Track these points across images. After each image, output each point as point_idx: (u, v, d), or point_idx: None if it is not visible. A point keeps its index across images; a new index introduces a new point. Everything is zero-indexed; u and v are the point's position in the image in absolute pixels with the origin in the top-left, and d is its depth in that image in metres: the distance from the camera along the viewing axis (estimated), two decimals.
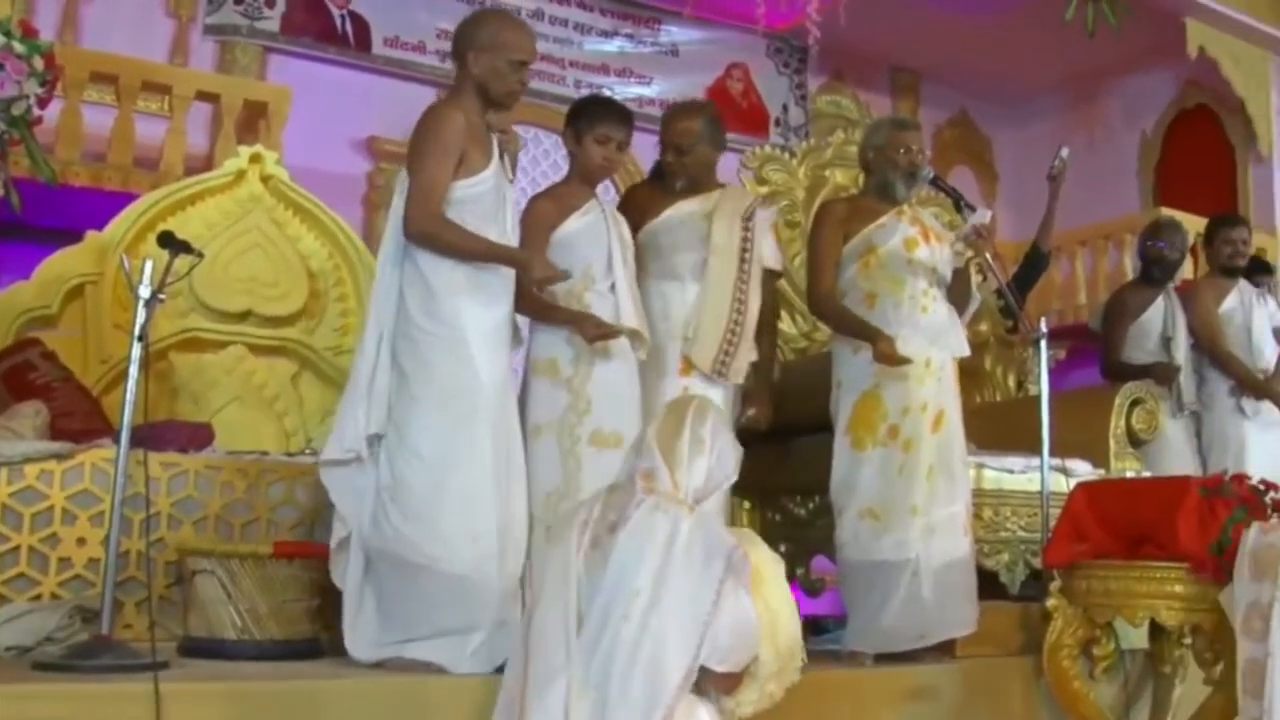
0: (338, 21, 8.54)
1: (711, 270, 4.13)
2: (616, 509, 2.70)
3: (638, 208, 4.20)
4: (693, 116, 4.25)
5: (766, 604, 2.69)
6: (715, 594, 2.57)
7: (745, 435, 4.23)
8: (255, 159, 5.22)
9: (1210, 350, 5.63)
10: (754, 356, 4.17)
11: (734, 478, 2.90)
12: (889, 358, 4.01)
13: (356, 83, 8.52)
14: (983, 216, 4.18)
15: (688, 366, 4.08)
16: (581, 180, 4.02)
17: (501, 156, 3.71)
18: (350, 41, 8.56)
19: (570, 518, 2.80)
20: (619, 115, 4.05)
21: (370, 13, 8.64)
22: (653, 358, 4.02)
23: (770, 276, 4.30)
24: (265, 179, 5.22)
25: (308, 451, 4.58)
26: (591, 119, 3.99)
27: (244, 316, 5.03)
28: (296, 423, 5.03)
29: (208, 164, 6.79)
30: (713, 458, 2.80)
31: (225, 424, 4.77)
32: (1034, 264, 6.08)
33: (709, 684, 2.64)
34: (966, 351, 4.32)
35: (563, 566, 2.67)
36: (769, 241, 4.28)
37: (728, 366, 4.09)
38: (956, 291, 4.33)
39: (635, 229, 4.12)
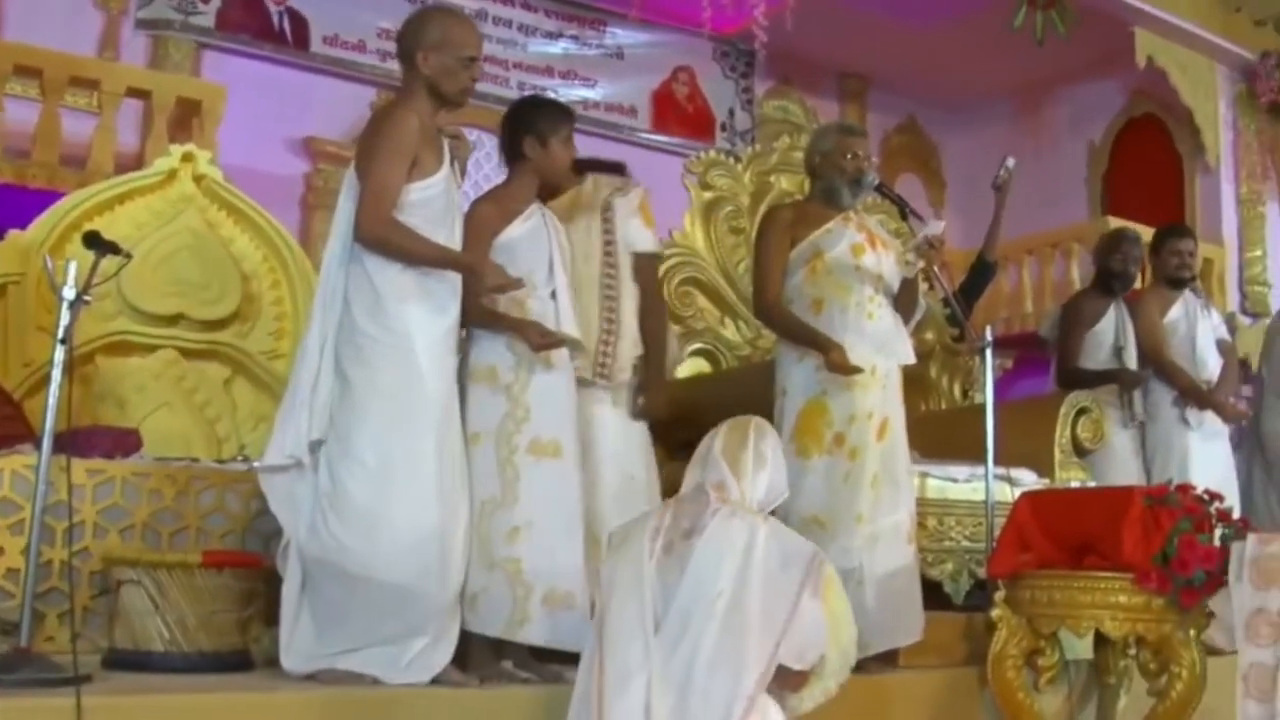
0: (275, 18, 8.49)
1: (574, 276, 4.06)
2: (690, 517, 2.95)
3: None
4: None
5: (830, 607, 2.91)
6: (795, 597, 2.81)
7: (658, 427, 4.22)
8: (188, 158, 5.16)
9: (1155, 360, 5.72)
10: (639, 350, 4.13)
11: (787, 493, 3.17)
12: (841, 367, 4.04)
13: (294, 81, 8.47)
14: (935, 227, 4.22)
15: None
16: (526, 183, 4.00)
17: (452, 161, 3.70)
18: (288, 39, 8.52)
19: (639, 525, 3.02)
20: (571, 114, 4.07)
21: (309, 10, 8.60)
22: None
23: (646, 259, 4.22)
24: (198, 179, 5.16)
25: (240, 458, 4.54)
26: (555, 121, 3.97)
27: (174, 320, 4.98)
28: (229, 429, 4.98)
29: (138, 163, 6.72)
30: (772, 473, 3.08)
31: (154, 430, 4.72)
32: (980, 274, 6.15)
33: (779, 682, 2.83)
34: (912, 359, 4.36)
35: (635, 570, 2.89)
36: (635, 224, 4.20)
37: (609, 368, 4.08)
38: (904, 299, 4.37)
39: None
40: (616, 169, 4.39)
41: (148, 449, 4.38)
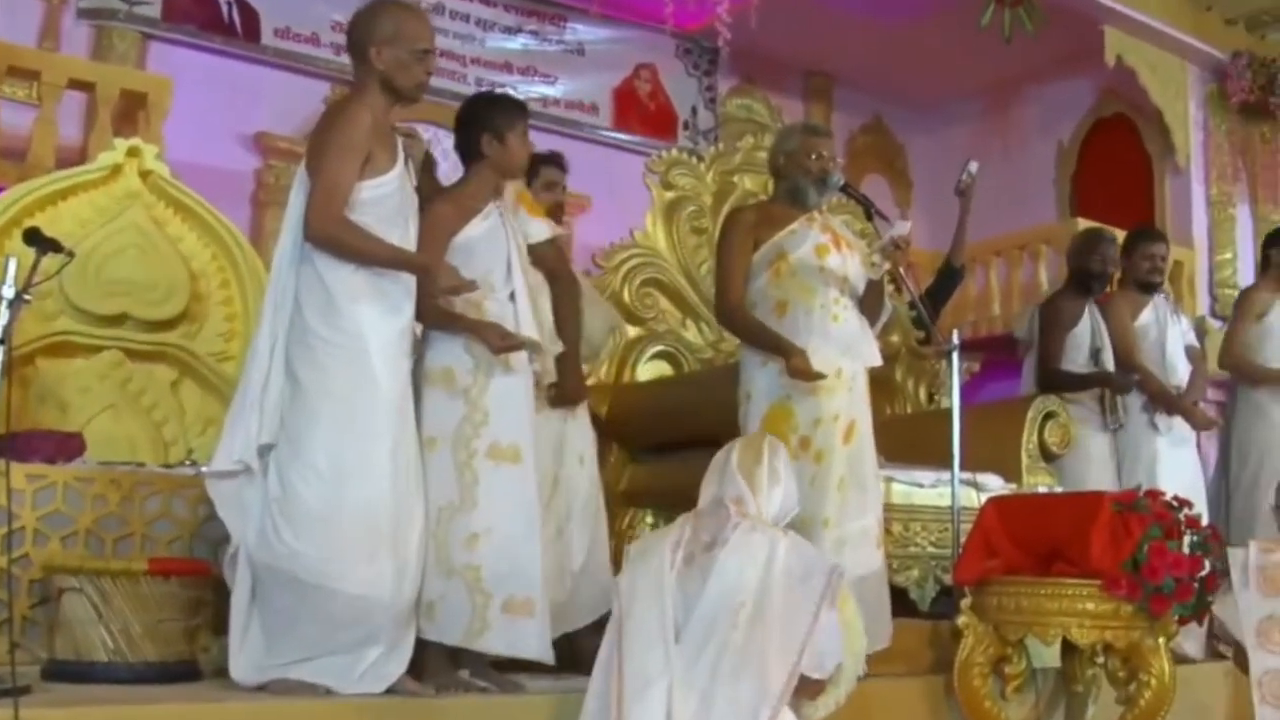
0: (224, 9, 8.43)
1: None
2: (710, 530, 3.11)
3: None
4: None
5: (844, 616, 3.10)
6: (816, 608, 2.99)
7: (635, 439, 4.21)
8: (133, 153, 5.13)
9: (1126, 364, 5.76)
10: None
11: (798, 509, 3.35)
12: (802, 373, 4.06)
13: (244, 75, 8.41)
14: (901, 228, 4.24)
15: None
16: (483, 181, 4.00)
17: (406, 160, 3.70)
18: (238, 31, 8.46)
19: (658, 538, 3.21)
20: (525, 108, 4.08)
21: (260, 1, 8.53)
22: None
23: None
24: (144, 174, 5.13)
25: (188, 463, 4.52)
26: (512, 117, 3.98)
27: (120, 320, 4.94)
28: (176, 432, 4.95)
29: (81, 157, 6.67)
30: (785, 488, 3.25)
31: (98, 433, 4.69)
32: (948, 279, 6.19)
33: (797, 691, 2.98)
34: (879, 361, 4.39)
35: (656, 580, 3.05)
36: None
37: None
38: (870, 302, 4.39)
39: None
40: (556, 160, 4.50)
41: (91, 453, 4.35)
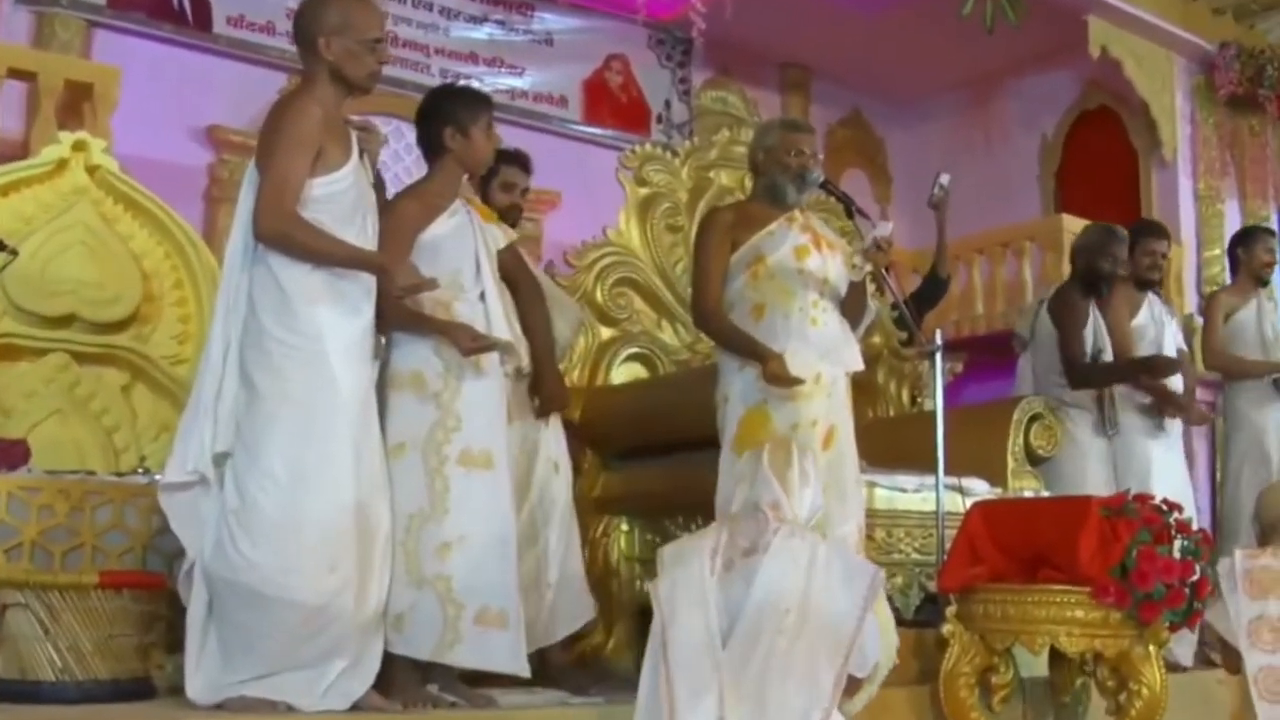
0: None
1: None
2: (749, 535, 3.24)
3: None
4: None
5: (878, 616, 3.26)
6: (861, 610, 3.14)
7: (609, 444, 4.24)
8: (79, 146, 5.10)
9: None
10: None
11: (822, 509, 3.47)
12: (779, 379, 4.07)
13: (196, 65, 8.35)
14: (884, 229, 4.26)
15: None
16: (448, 177, 4.00)
17: (361, 154, 3.69)
18: (188, 19, 8.39)
19: (693, 544, 3.32)
20: (490, 102, 4.10)
21: None
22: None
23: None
24: (91, 169, 5.11)
25: (140, 471, 4.50)
26: (475, 110, 4.00)
27: (67, 321, 4.91)
28: (128, 439, 4.93)
29: (22, 151, 6.59)
30: (814, 490, 3.39)
31: (44, 440, 4.67)
32: (933, 288, 6.22)
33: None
34: (860, 366, 4.41)
35: (698, 588, 3.17)
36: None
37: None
38: (851, 304, 4.41)
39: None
40: (518, 160, 4.58)
41: (37, 461, 4.33)
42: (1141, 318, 5.90)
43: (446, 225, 3.92)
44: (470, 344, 3.73)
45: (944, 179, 5.65)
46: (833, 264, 4.37)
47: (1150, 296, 5.98)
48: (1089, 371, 5.69)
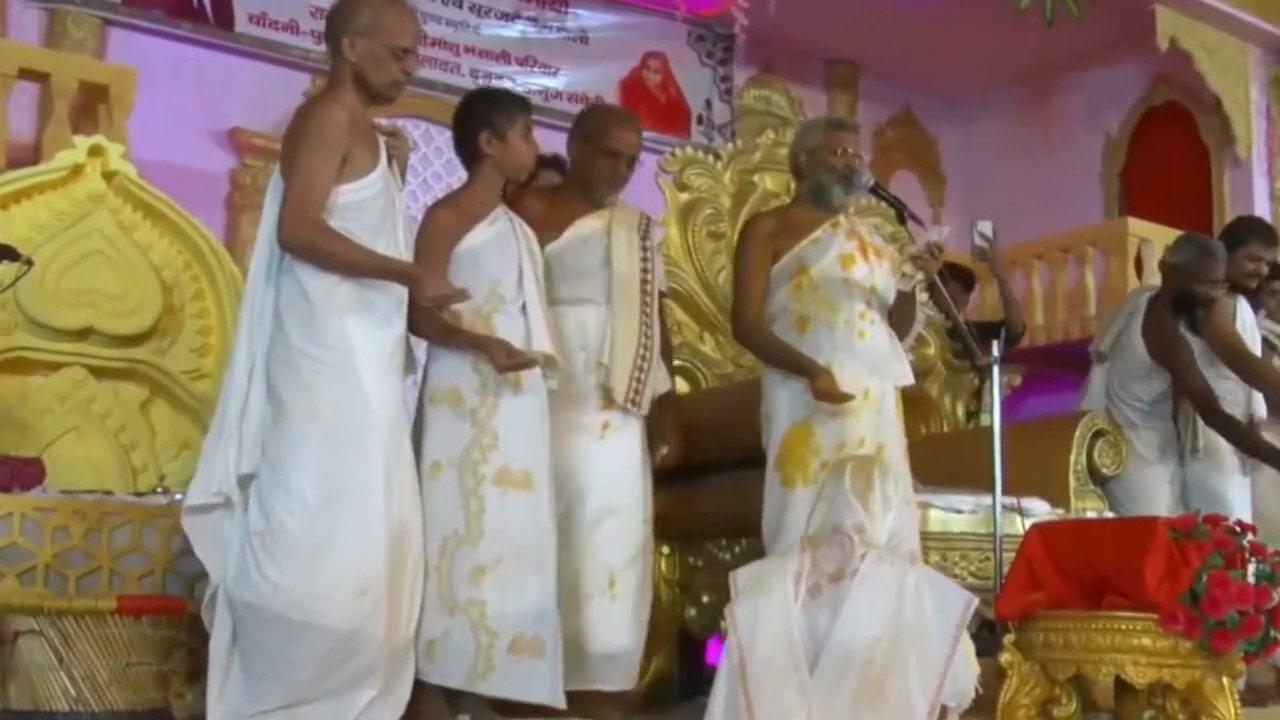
0: None
1: (617, 293, 4.21)
2: (834, 561, 3.29)
3: (533, 221, 4.20)
4: (639, 129, 4.40)
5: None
6: (954, 638, 3.22)
7: (658, 472, 4.32)
8: (96, 151, 5.16)
9: (1247, 373, 5.56)
10: (668, 385, 4.28)
11: (902, 533, 3.53)
12: (828, 395, 4.08)
13: (216, 65, 8.41)
14: (936, 233, 4.23)
15: (609, 400, 4.15)
16: (487, 184, 4.03)
17: (390, 161, 3.71)
18: (209, 17, 8.45)
19: (773, 568, 3.37)
20: (528, 104, 4.14)
21: None
22: (567, 390, 4.06)
23: (663, 299, 4.44)
24: (109, 175, 5.16)
25: (159, 490, 4.54)
26: (511, 113, 4.03)
27: (83, 334, 4.97)
28: (146, 457, 4.97)
29: (35, 155, 6.66)
30: (896, 515, 3.45)
31: (59, 459, 4.71)
32: (1008, 344, 6.20)
33: None
34: (910, 380, 4.40)
35: (781, 614, 3.22)
36: (659, 260, 4.41)
37: (640, 395, 4.19)
38: (900, 314, 4.40)
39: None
40: (555, 164, 4.68)
41: (52, 481, 4.37)
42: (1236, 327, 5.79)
43: (485, 234, 3.94)
44: (506, 361, 3.74)
45: (983, 227, 5.44)
46: (880, 272, 4.37)
47: (1241, 302, 5.83)
48: (1227, 422, 5.50)
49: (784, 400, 4.25)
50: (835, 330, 4.25)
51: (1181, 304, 5.71)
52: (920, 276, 4.29)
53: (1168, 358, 5.64)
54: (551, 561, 3.81)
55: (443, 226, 3.90)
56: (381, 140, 3.73)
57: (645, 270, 4.33)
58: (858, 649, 3.16)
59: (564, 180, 4.34)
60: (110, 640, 3.62)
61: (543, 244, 4.14)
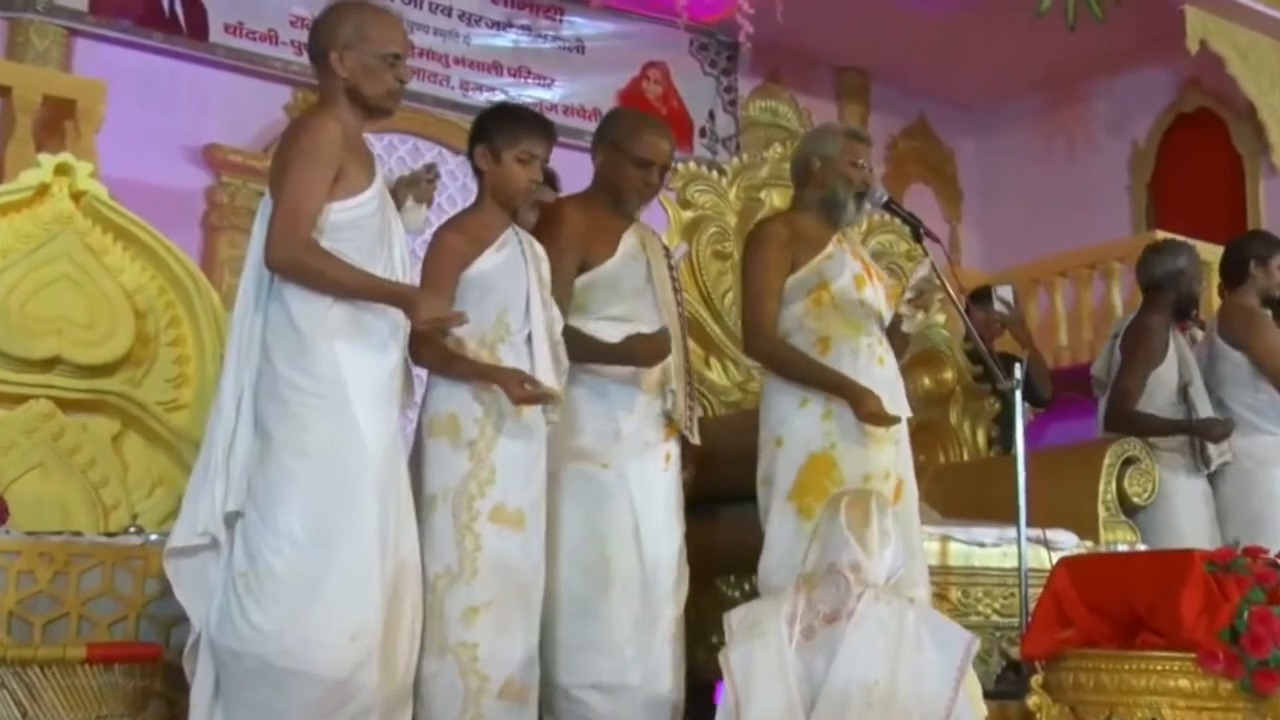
0: (165, 1, 8.44)
1: (664, 314, 4.27)
2: (829, 601, 3.32)
3: (579, 236, 4.20)
4: (671, 135, 4.42)
5: (968, 687, 3.33)
6: (956, 682, 3.24)
7: None
8: (63, 170, 5.14)
9: None
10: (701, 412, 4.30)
11: (903, 569, 3.52)
12: (880, 418, 4.10)
13: (190, 78, 8.44)
14: (924, 269, 4.29)
15: (671, 429, 4.20)
16: (496, 206, 4.03)
17: (418, 204, 3.79)
18: (181, 26, 8.47)
19: (768, 610, 3.39)
20: (544, 128, 4.11)
21: None
22: (640, 413, 4.11)
23: None
24: (76, 195, 5.15)
25: (132, 529, 4.51)
26: (512, 133, 4.02)
27: (50, 365, 4.95)
28: (118, 495, 4.95)
29: None
30: (894, 550, 3.45)
31: (23, 497, 4.69)
32: (1034, 405, 6.23)
33: None
34: (909, 413, 4.42)
35: (776, 658, 3.26)
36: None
37: (694, 422, 4.28)
38: (896, 345, 4.43)
39: (582, 261, 4.17)
40: (546, 179, 4.53)
41: (16, 521, 4.35)
42: None
43: (495, 259, 3.94)
44: (521, 392, 3.74)
45: (1003, 292, 5.37)
46: (881, 296, 4.40)
47: (1268, 315, 5.86)
48: (1131, 419, 5.60)
49: (801, 425, 4.23)
50: (858, 354, 4.25)
51: (1183, 311, 5.85)
52: (920, 316, 4.33)
53: (1127, 352, 5.77)
54: (538, 604, 3.84)
55: (450, 250, 3.90)
56: (377, 161, 3.74)
57: (676, 290, 4.40)
58: (855, 693, 3.17)
59: (590, 191, 4.31)
60: (79, 691, 3.60)
61: (591, 261, 4.15)
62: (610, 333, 4.12)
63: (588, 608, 4.01)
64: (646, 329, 4.12)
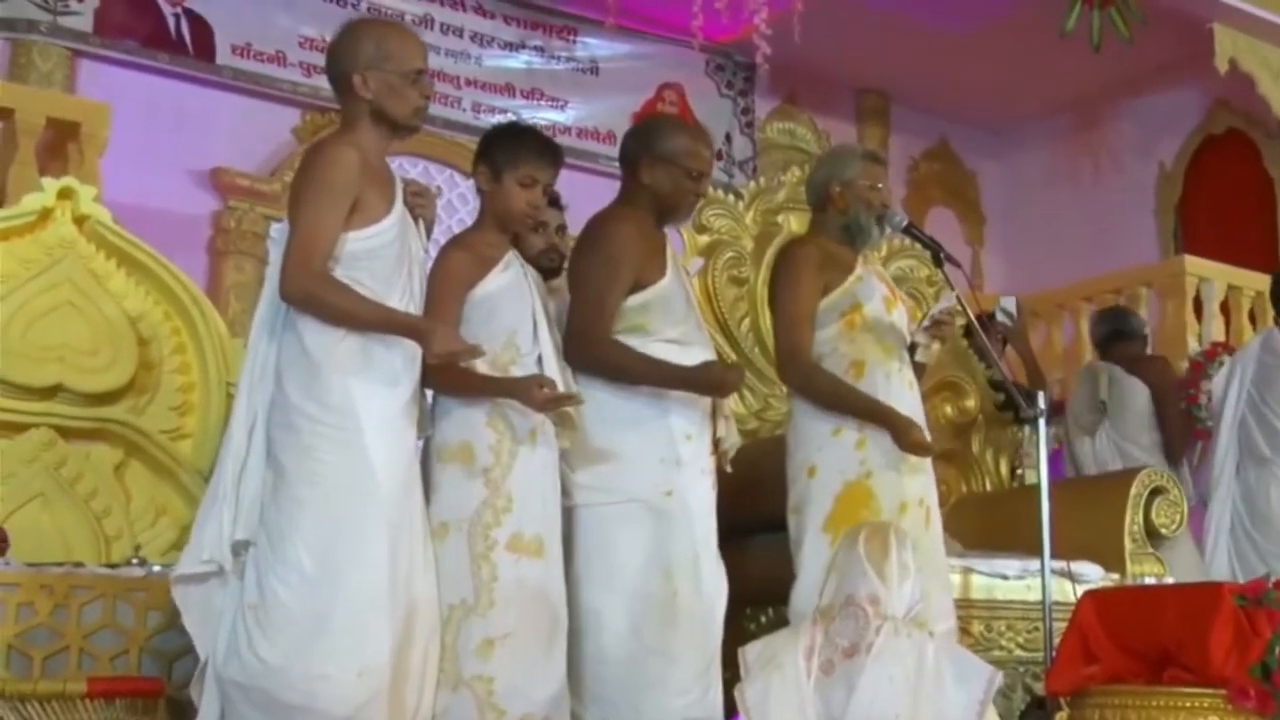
0: (171, 22, 8.46)
1: (706, 335, 4.27)
2: (847, 635, 3.34)
3: (642, 251, 4.13)
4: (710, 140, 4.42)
5: None
6: (977, 716, 3.25)
7: None
8: (66, 194, 5.17)
9: None
10: None
11: (922, 604, 3.48)
12: (922, 448, 4.13)
13: (197, 100, 8.47)
14: (947, 301, 4.33)
15: (719, 457, 4.19)
16: (496, 228, 4.03)
17: (416, 221, 3.75)
18: (188, 48, 8.50)
19: (785, 643, 3.42)
20: (549, 151, 4.08)
21: (213, 13, 8.53)
22: (695, 437, 4.08)
23: None
24: (79, 219, 5.17)
25: (135, 561, 4.52)
26: (513, 155, 3.99)
27: (51, 392, 4.96)
28: (120, 525, 4.95)
29: None
30: (913, 583, 3.44)
31: (24, 528, 4.69)
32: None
33: None
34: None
35: (794, 694, 3.28)
36: None
37: (728, 455, 4.25)
38: (916, 370, 4.45)
39: (640, 279, 4.10)
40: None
41: (15, 552, 4.36)
42: None
43: (500, 280, 3.94)
44: (541, 395, 3.72)
45: (1006, 303, 5.42)
46: (905, 321, 4.42)
47: None
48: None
49: (836, 454, 4.22)
50: (891, 379, 4.27)
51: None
52: (936, 347, 4.35)
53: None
54: (563, 636, 3.81)
55: (456, 270, 3.89)
56: (399, 183, 3.74)
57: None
58: None
59: (634, 205, 4.22)
60: None
61: (645, 280, 4.08)
62: (672, 357, 4.05)
63: (652, 643, 3.93)
64: (702, 351, 4.13)
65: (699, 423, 4.10)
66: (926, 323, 4.30)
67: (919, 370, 4.45)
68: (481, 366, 3.79)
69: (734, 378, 4.12)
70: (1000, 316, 5.45)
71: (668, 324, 4.10)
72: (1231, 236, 9.91)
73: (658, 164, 4.19)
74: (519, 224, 4.07)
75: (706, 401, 4.13)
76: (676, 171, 4.17)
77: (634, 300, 4.06)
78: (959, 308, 4.33)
